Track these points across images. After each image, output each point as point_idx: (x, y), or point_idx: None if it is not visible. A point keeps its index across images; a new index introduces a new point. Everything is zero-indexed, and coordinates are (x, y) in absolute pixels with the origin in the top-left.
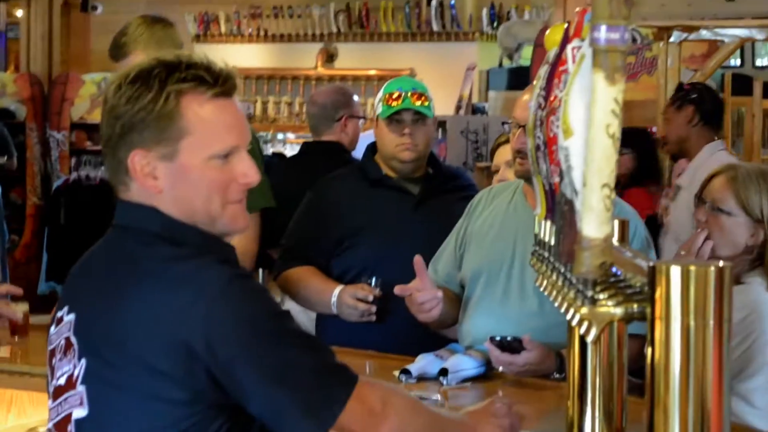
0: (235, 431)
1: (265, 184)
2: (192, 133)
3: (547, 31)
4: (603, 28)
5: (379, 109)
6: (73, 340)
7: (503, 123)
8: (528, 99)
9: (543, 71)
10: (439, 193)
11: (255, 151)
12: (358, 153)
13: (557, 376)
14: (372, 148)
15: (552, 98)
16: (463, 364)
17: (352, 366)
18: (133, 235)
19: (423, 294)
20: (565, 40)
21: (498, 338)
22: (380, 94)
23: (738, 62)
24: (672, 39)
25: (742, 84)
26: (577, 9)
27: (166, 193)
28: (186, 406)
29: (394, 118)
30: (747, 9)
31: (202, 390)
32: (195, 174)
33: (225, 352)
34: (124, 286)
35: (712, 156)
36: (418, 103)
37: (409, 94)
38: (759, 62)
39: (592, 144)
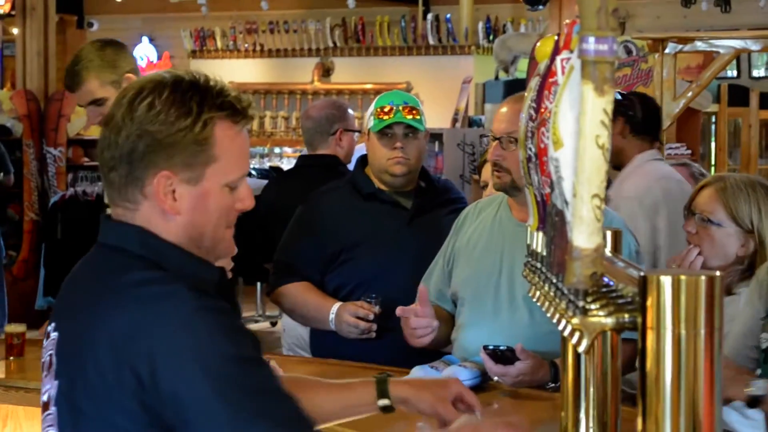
0: None
1: None
2: (218, 160)
3: (538, 43)
4: (591, 39)
5: (371, 123)
6: (54, 359)
7: (481, 136)
8: (506, 111)
9: (534, 83)
10: (432, 206)
11: None
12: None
13: (552, 385)
14: (362, 162)
15: (542, 110)
16: (459, 375)
17: (341, 377)
18: (112, 256)
19: (418, 320)
20: (555, 51)
21: (491, 347)
22: (372, 108)
23: (735, 73)
24: (667, 50)
25: (738, 95)
26: (566, 21)
27: (182, 216)
28: None
29: (385, 132)
30: (742, 20)
31: (158, 423)
32: (212, 199)
33: (168, 386)
34: (94, 308)
35: (642, 166)
36: (410, 116)
37: (400, 107)
38: (755, 73)
39: (581, 155)
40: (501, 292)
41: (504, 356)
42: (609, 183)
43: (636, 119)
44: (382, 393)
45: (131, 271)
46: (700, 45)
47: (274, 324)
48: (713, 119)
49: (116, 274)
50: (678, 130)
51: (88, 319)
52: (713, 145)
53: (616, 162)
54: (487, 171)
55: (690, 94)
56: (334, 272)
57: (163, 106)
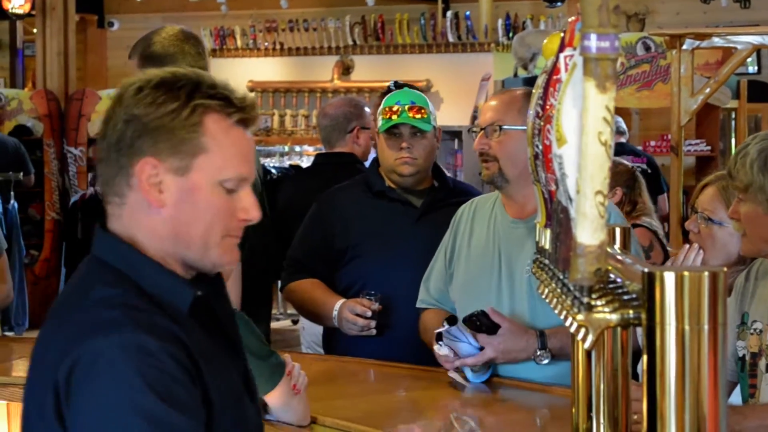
0: None
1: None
2: (209, 151)
3: (545, 41)
4: (593, 36)
5: (379, 123)
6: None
7: (469, 130)
8: (491, 104)
9: (541, 80)
10: (443, 206)
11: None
12: None
13: (540, 353)
14: (377, 160)
15: (548, 107)
16: (462, 337)
17: (357, 374)
18: (92, 268)
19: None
20: (561, 48)
21: (467, 319)
22: (380, 107)
23: (755, 69)
24: (684, 47)
25: (758, 90)
26: (571, 18)
27: (167, 210)
28: None
29: (392, 132)
30: (762, 15)
31: None
32: (202, 196)
33: (73, 413)
34: (54, 320)
35: None
36: (418, 116)
37: (406, 107)
38: None
39: (584, 151)
40: (502, 290)
41: (483, 325)
42: None
43: None
44: None
45: (95, 287)
46: (717, 41)
47: (295, 322)
48: (733, 115)
49: (84, 288)
50: (697, 126)
51: (45, 331)
52: (733, 141)
53: None
54: None
55: (708, 90)
56: (343, 269)
57: (151, 90)
